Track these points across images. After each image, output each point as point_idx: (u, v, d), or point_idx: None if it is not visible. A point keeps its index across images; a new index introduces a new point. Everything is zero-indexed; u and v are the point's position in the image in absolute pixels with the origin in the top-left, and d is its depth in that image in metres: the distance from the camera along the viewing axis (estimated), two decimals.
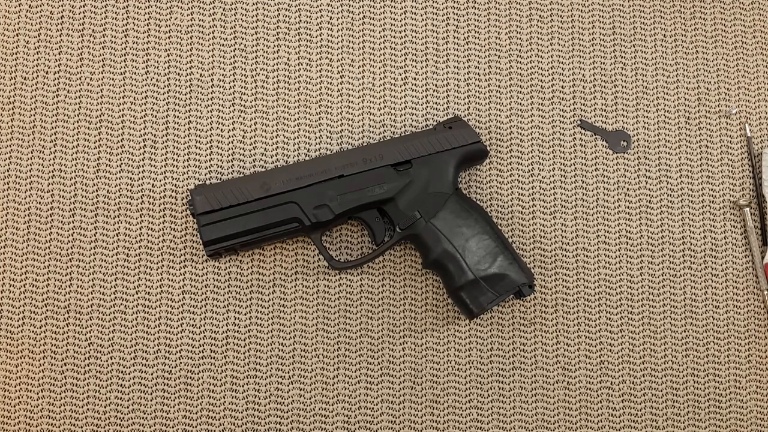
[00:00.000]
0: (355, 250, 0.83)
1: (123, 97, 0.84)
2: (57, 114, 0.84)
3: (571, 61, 0.87)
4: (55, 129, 0.83)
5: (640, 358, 0.83)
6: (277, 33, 0.86)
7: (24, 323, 0.81)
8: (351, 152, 0.79)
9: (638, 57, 0.87)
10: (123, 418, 0.80)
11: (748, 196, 0.86)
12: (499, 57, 0.87)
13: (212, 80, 0.85)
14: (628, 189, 0.85)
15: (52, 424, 0.80)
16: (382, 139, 0.85)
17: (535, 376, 0.82)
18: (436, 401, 0.82)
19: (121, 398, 0.81)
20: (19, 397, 0.80)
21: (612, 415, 0.82)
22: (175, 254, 0.82)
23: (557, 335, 0.83)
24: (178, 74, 0.85)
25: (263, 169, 0.84)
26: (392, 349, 0.82)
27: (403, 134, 0.84)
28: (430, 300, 0.83)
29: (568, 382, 0.83)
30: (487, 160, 0.85)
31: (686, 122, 0.87)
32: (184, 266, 0.82)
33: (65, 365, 0.81)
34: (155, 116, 0.84)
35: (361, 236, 0.84)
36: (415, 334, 0.82)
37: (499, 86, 0.86)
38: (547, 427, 0.82)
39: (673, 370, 0.83)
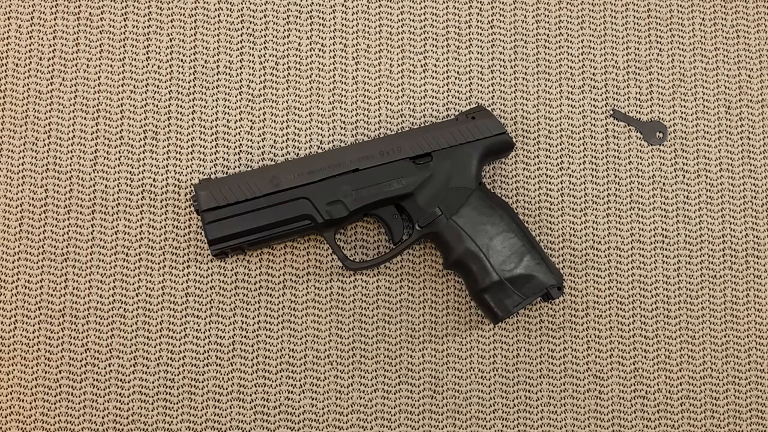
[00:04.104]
0: (371, 250, 0.83)
1: (122, 85, 0.84)
2: (51, 103, 0.84)
3: (603, 47, 0.87)
4: (49, 119, 0.84)
5: (677, 365, 0.83)
6: (288, 16, 0.86)
7: (16, 327, 0.81)
8: (367, 144, 0.79)
9: (675, 42, 0.87)
10: (122, 429, 0.80)
11: None
12: (525, 42, 0.87)
13: (218, 67, 0.85)
14: (664, 184, 0.85)
15: None
16: (400, 130, 0.85)
17: (564, 384, 0.83)
18: (457, 411, 0.82)
19: (120, 408, 0.81)
20: (10, 408, 0.80)
21: (647, 426, 0.82)
22: (178, 254, 0.82)
23: (588, 341, 0.83)
24: (181, 60, 0.85)
25: (272, 163, 0.84)
26: (411, 356, 0.82)
27: (422, 125, 0.85)
28: (452, 303, 0.83)
29: (599, 391, 0.83)
30: (513, 153, 0.85)
31: (726, 112, 0.87)
32: (188, 267, 0.82)
33: (60, 373, 0.81)
34: (156, 105, 0.84)
35: (378, 234, 0.84)
36: (436, 340, 0.82)
37: (525, 73, 0.86)
38: None
39: (713, 378, 0.83)
